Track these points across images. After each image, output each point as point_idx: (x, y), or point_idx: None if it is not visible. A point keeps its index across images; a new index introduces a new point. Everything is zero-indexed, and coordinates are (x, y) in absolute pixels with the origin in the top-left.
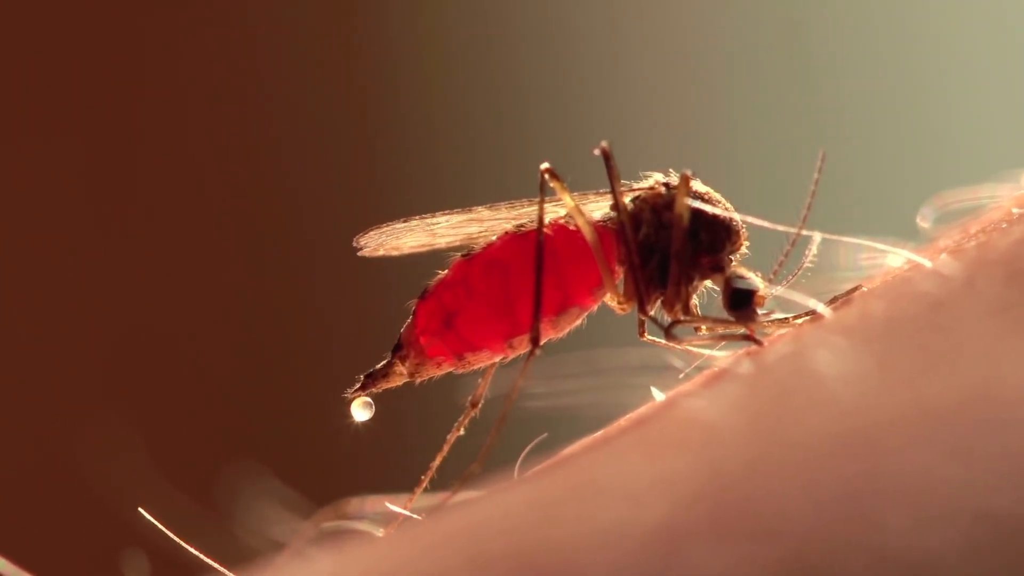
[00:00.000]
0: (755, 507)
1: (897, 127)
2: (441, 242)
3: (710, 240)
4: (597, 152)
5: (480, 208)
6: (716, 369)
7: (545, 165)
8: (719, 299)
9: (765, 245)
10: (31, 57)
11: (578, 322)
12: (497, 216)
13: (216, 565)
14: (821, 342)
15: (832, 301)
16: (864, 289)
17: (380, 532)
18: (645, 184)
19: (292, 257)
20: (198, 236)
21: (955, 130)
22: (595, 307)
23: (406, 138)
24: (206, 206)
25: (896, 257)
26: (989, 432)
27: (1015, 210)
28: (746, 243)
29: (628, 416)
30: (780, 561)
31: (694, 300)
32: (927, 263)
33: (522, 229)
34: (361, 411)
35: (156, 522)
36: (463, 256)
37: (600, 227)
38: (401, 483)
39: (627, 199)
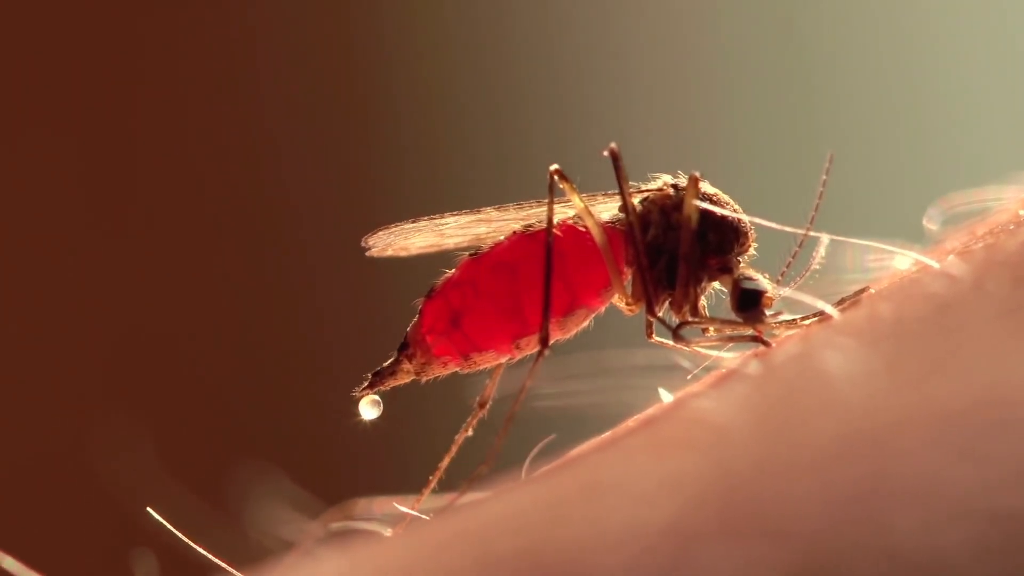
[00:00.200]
0: (764, 508)
1: (904, 129)
2: (449, 242)
3: (718, 241)
4: (606, 153)
5: (488, 209)
6: (724, 370)
7: (555, 166)
8: (727, 300)
9: (773, 247)
10: (30, 58)
11: (585, 323)
12: (505, 217)
13: (224, 565)
14: (829, 343)
15: (840, 302)
16: (872, 291)
17: (388, 532)
18: (653, 185)
19: (301, 257)
20: (209, 236)
21: (962, 132)
22: (602, 308)
23: (415, 138)
24: (217, 206)
25: (903, 259)
26: (998, 433)
27: (1022, 212)
28: (754, 244)
29: (636, 417)
30: (789, 562)
31: (702, 301)
32: (935, 264)
33: (530, 229)
34: (369, 409)
35: (165, 522)
36: (471, 256)
37: (608, 228)
38: (409, 484)
39: (635, 200)
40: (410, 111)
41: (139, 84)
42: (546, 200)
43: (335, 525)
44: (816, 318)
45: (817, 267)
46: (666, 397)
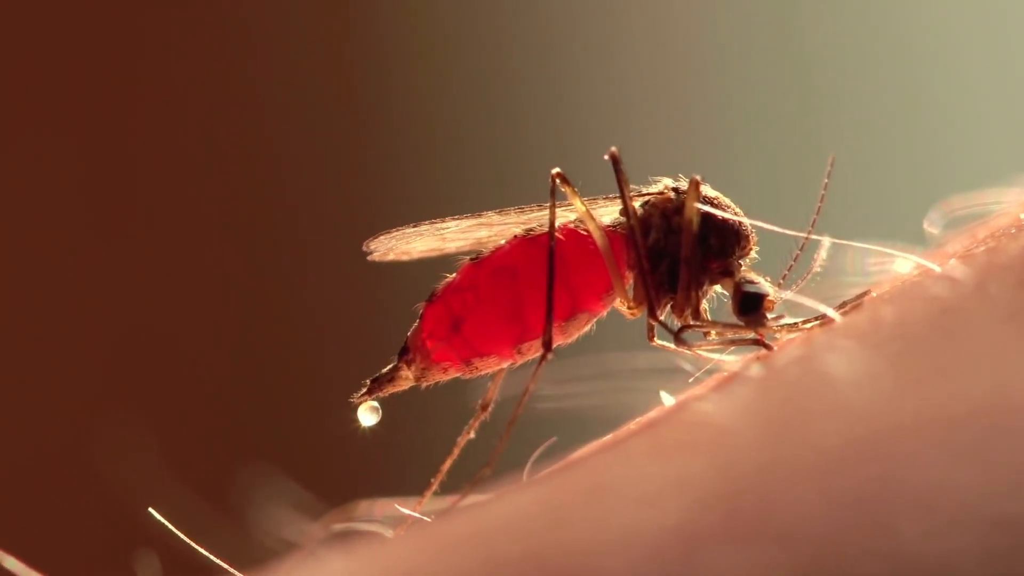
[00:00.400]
0: (766, 511)
1: (906, 132)
2: (451, 246)
3: (720, 245)
4: (607, 157)
5: (490, 213)
6: (726, 373)
7: (556, 170)
8: (729, 304)
9: (775, 250)
10: (28, 58)
11: (587, 328)
12: (507, 221)
13: (227, 566)
14: (831, 346)
15: (842, 306)
16: (874, 294)
17: (390, 534)
18: (654, 189)
19: (303, 260)
20: (213, 240)
21: (963, 135)
22: (604, 313)
23: (416, 142)
24: (221, 208)
25: (905, 262)
26: (1001, 437)
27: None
28: (755, 247)
29: (638, 419)
30: (793, 565)
31: (704, 305)
32: (937, 268)
33: (531, 233)
34: (367, 416)
35: (167, 523)
36: (472, 260)
37: (610, 232)
38: (412, 486)
39: (636, 204)
40: (411, 115)
41: (142, 86)
42: (547, 204)
43: (337, 526)
44: (818, 321)
45: (818, 270)
46: (668, 400)
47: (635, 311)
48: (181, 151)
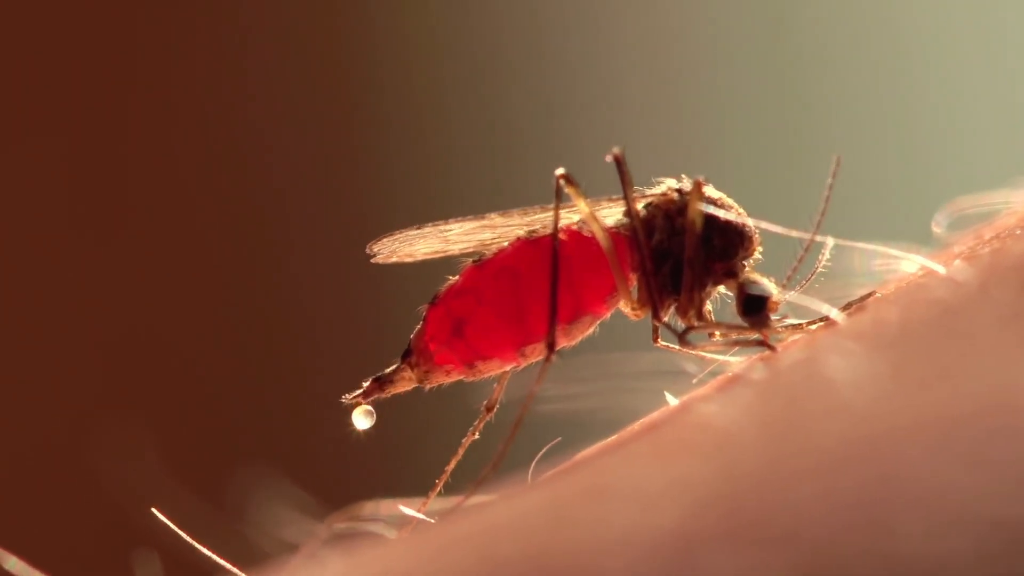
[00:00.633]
0: (769, 512)
1: (911, 133)
2: (454, 249)
3: (723, 246)
4: (610, 158)
5: (493, 215)
6: (730, 374)
7: (561, 171)
8: (732, 305)
9: (778, 250)
10: (26, 58)
11: (590, 330)
12: (510, 222)
13: (229, 566)
14: (835, 348)
15: (846, 307)
16: (878, 295)
17: (393, 535)
18: (658, 190)
19: (306, 262)
20: (214, 241)
21: (969, 136)
22: (608, 315)
23: (420, 144)
24: (222, 210)
25: (910, 263)
26: (1003, 439)
27: None
28: (759, 248)
29: (642, 421)
30: (794, 567)
31: (708, 306)
32: (941, 269)
33: (534, 235)
34: (362, 419)
35: (169, 523)
36: (474, 263)
37: (613, 233)
38: (415, 487)
39: (640, 205)
40: (416, 117)
41: (142, 86)
42: (550, 206)
43: (340, 527)
44: (822, 322)
45: (823, 271)
46: (672, 401)
47: (639, 312)
48: (182, 152)
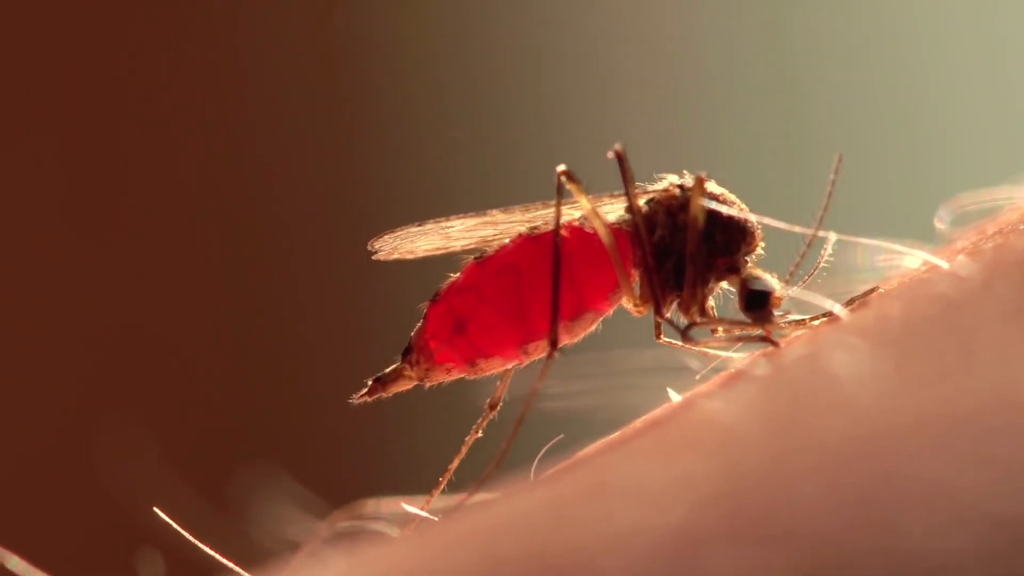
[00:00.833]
0: (772, 510)
1: (914, 128)
2: (456, 245)
3: (725, 241)
4: (611, 155)
5: (494, 211)
6: (733, 371)
7: (562, 167)
8: (735, 300)
9: (781, 246)
10: (23, 58)
11: (593, 327)
12: (511, 219)
13: (232, 565)
14: (838, 343)
15: (849, 302)
16: (881, 291)
17: (395, 533)
18: (659, 186)
19: (308, 260)
20: (216, 239)
21: (972, 131)
22: (610, 311)
23: (421, 141)
24: (224, 208)
25: (913, 259)
26: (1007, 436)
27: None
28: (762, 244)
29: (644, 417)
30: (797, 564)
31: (710, 302)
32: (944, 265)
33: (535, 232)
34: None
35: (171, 522)
36: (475, 259)
37: (615, 230)
38: (418, 485)
39: (642, 201)
40: (417, 113)
41: (144, 87)
42: (552, 202)
43: (342, 526)
44: (825, 318)
45: (825, 266)
46: (674, 398)
47: (641, 309)
48: (183, 153)
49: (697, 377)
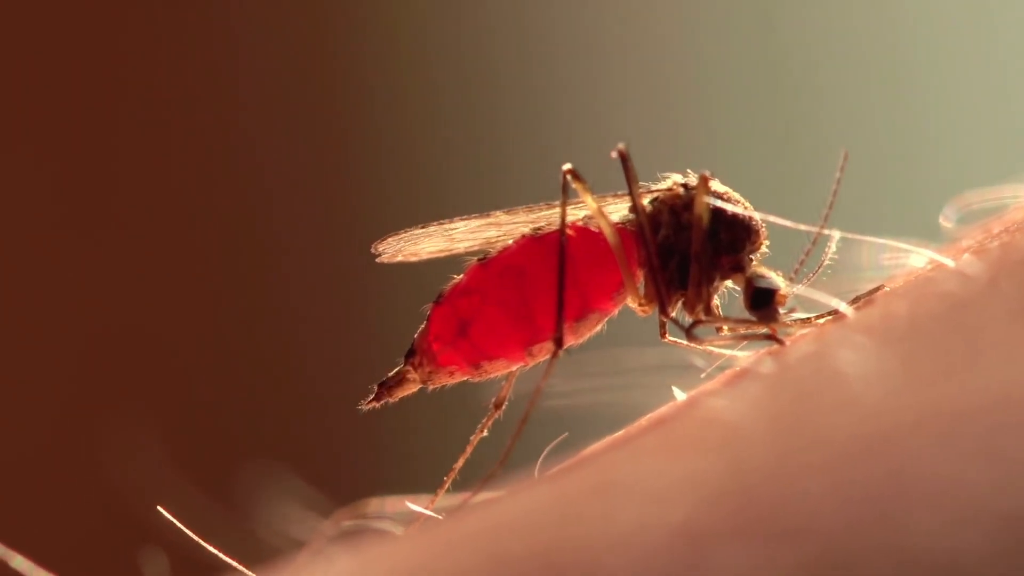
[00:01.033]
0: (777, 507)
1: (920, 126)
2: (460, 247)
3: (730, 240)
4: (615, 154)
5: (498, 212)
6: (738, 369)
7: (568, 166)
8: (740, 299)
9: (786, 245)
10: (22, 58)
11: (598, 328)
12: (515, 220)
13: (236, 564)
14: (844, 342)
15: (855, 301)
16: (887, 289)
17: (400, 531)
18: (663, 185)
19: (313, 261)
20: (221, 240)
21: (978, 130)
22: (615, 311)
23: (424, 143)
24: (230, 208)
25: (919, 257)
26: (1012, 433)
27: None
28: (766, 242)
29: (650, 416)
30: (803, 562)
31: (715, 300)
32: (950, 263)
33: (539, 232)
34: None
35: (176, 520)
36: (479, 261)
37: (619, 229)
38: (422, 483)
39: (646, 201)
40: (420, 114)
41: (143, 87)
42: (556, 202)
43: (347, 524)
44: (830, 316)
45: (830, 265)
46: (680, 396)
47: (647, 308)
48: (183, 153)
49: (702, 375)
